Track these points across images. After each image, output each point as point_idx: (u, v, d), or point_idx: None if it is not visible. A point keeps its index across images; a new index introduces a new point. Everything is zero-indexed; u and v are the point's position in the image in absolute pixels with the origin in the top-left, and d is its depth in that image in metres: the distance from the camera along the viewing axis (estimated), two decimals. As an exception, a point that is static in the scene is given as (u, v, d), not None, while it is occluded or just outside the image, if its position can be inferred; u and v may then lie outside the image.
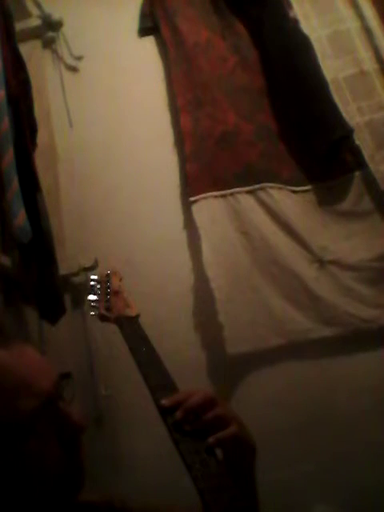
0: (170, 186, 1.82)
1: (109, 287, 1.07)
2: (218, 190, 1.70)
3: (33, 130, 1.69)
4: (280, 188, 1.70)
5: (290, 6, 1.88)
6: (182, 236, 1.75)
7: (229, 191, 1.70)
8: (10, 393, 0.55)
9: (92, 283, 1.07)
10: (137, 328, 0.94)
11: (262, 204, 1.67)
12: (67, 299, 1.67)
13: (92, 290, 1.05)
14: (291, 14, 1.86)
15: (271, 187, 1.69)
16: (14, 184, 1.32)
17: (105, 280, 1.09)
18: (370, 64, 1.80)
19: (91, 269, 1.69)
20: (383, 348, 1.53)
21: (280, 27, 1.85)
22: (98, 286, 1.06)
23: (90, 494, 0.66)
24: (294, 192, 1.71)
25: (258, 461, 0.71)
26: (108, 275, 1.11)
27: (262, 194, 1.68)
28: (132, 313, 1.00)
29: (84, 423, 0.60)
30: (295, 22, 1.84)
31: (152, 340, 1.56)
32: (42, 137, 1.76)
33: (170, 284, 1.68)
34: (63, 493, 0.57)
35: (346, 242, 1.65)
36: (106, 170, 1.87)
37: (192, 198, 1.71)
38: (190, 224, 1.72)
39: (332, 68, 1.80)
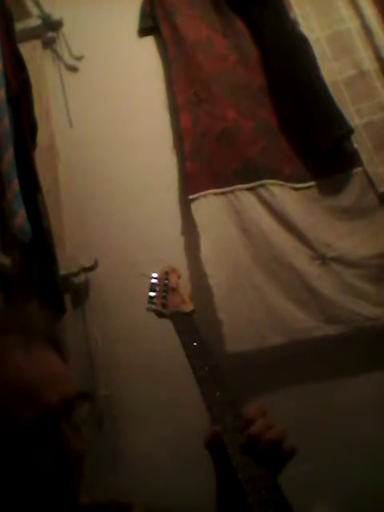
0: (169, 185, 1.82)
1: (166, 284, 1.10)
2: (218, 187, 1.70)
3: (33, 129, 1.69)
4: (281, 185, 1.69)
5: (290, 6, 1.88)
6: (182, 235, 1.75)
7: (229, 188, 1.69)
8: (11, 398, 0.52)
9: (153, 281, 1.10)
10: (190, 323, 0.95)
11: (263, 201, 1.66)
12: (67, 299, 1.67)
13: (152, 288, 1.08)
14: (291, 15, 1.87)
15: (272, 184, 1.68)
16: (14, 184, 1.32)
17: (163, 277, 1.12)
18: (369, 64, 1.79)
19: (91, 269, 1.69)
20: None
21: (280, 28, 1.85)
22: (158, 283, 1.10)
23: (90, 496, 0.65)
24: (295, 189, 1.70)
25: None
26: (167, 273, 1.14)
27: (262, 191, 1.67)
28: (187, 308, 1.02)
29: (80, 453, 0.55)
30: (295, 23, 1.84)
31: (150, 339, 1.57)
32: (42, 137, 1.77)
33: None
34: (51, 506, 0.53)
35: (348, 238, 1.63)
36: (106, 170, 1.87)
37: (191, 196, 1.70)
38: (189, 222, 1.72)
39: (331, 70, 1.80)
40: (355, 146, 1.69)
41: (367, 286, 1.56)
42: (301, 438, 1.42)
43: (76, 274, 1.69)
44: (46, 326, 0.63)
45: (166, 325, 1.60)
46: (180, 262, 1.71)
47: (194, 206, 1.69)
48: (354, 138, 1.69)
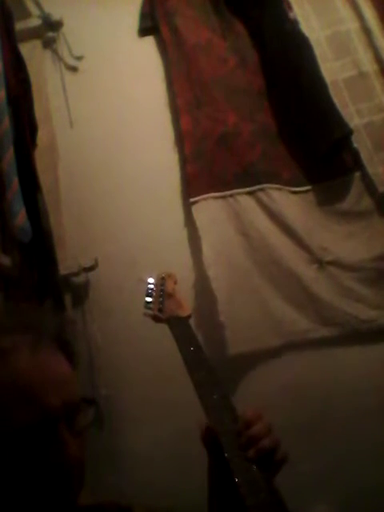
0: (170, 186, 1.82)
1: (163, 290, 1.11)
2: (218, 191, 1.70)
3: (33, 129, 1.69)
4: (280, 189, 1.70)
5: (289, 6, 1.88)
6: (182, 236, 1.75)
7: (228, 192, 1.70)
8: (12, 399, 0.51)
9: (150, 286, 1.12)
10: (186, 328, 0.96)
11: (262, 205, 1.67)
12: (67, 299, 1.67)
13: (149, 293, 1.10)
14: (291, 15, 1.86)
15: (271, 188, 1.69)
16: (14, 184, 1.32)
17: (160, 283, 1.14)
18: (369, 65, 1.80)
19: (91, 269, 1.69)
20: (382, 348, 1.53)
21: (280, 28, 1.85)
22: (155, 289, 1.11)
23: (90, 497, 0.64)
24: (293, 193, 1.72)
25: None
26: (163, 278, 1.16)
27: (261, 195, 1.68)
28: (183, 313, 1.04)
29: (79, 460, 0.54)
30: (295, 23, 1.84)
31: (150, 339, 1.56)
32: (41, 137, 1.77)
33: (170, 284, 1.68)
34: (48, 509, 0.52)
35: (345, 242, 1.65)
36: (106, 170, 1.87)
37: (192, 199, 1.71)
38: (190, 224, 1.72)
39: (331, 70, 1.80)
40: (355, 145, 1.70)
41: (364, 289, 1.58)
42: (300, 439, 1.43)
43: (76, 274, 1.69)
44: (57, 328, 0.61)
45: (165, 325, 1.60)
46: (180, 263, 1.71)
47: (194, 210, 1.70)
48: (354, 137, 1.70)
